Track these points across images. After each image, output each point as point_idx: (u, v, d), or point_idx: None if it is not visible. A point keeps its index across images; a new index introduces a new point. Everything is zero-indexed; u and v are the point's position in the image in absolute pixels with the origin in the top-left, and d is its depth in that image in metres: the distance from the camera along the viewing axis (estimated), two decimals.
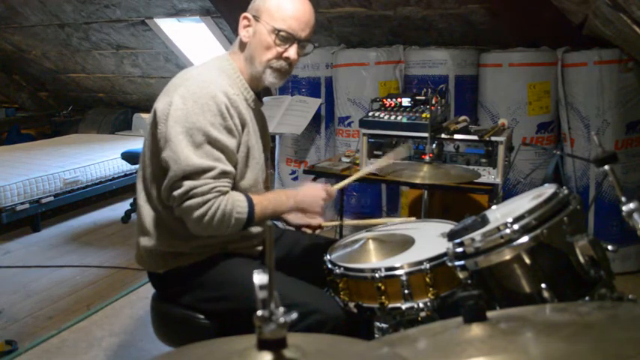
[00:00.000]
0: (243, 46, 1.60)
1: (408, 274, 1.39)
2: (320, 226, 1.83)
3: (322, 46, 3.78)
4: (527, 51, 3.14)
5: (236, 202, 1.47)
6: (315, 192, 1.65)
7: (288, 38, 1.54)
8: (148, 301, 1.72)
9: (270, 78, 1.58)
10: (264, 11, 1.53)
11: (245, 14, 1.57)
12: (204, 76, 1.52)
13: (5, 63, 5.98)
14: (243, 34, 1.58)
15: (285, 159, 3.93)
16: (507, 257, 1.12)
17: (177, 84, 1.51)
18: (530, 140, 3.15)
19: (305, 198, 1.63)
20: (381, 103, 2.59)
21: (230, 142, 1.49)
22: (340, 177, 2.52)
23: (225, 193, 1.46)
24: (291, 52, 1.55)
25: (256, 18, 1.55)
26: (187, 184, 1.43)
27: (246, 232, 1.61)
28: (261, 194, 1.60)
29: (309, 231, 1.81)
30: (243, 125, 1.56)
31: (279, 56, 1.55)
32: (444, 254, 1.30)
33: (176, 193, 1.44)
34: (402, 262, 1.42)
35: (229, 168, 1.49)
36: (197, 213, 1.43)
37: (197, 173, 1.43)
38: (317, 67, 3.72)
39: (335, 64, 3.67)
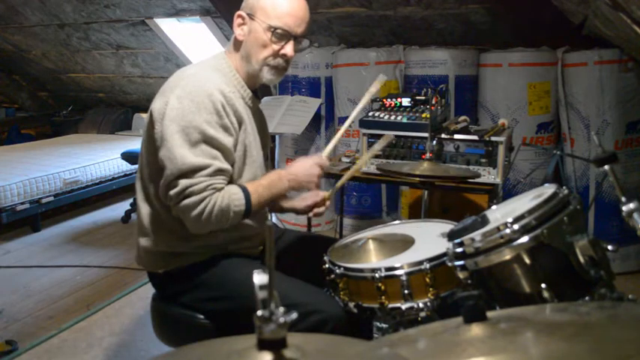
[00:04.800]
0: (238, 44, 1.59)
1: (408, 274, 1.39)
2: (324, 201, 1.75)
3: (322, 46, 3.78)
4: (527, 51, 3.14)
5: (232, 197, 1.47)
6: (307, 166, 1.63)
7: (284, 35, 1.53)
8: (148, 301, 1.72)
9: (267, 75, 1.58)
10: (259, 9, 1.53)
11: (239, 12, 1.57)
12: (199, 75, 1.52)
13: (5, 63, 5.97)
14: (238, 32, 1.57)
15: (285, 159, 3.93)
16: (507, 257, 1.12)
17: (173, 84, 1.51)
18: (530, 140, 3.15)
19: (298, 175, 1.62)
20: (381, 103, 2.59)
21: (227, 139, 1.49)
22: (340, 177, 2.51)
23: (220, 189, 1.46)
24: (288, 49, 1.55)
25: (251, 16, 1.54)
26: (183, 182, 1.42)
27: (246, 232, 1.61)
28: (255, 182, 1.59)
29: (321, 210, 1.74)
30: (240, 123, 1.56)
31: (275, 54, 1.55)
32: (444, 254, 1.30)
33: (172, 192, 1.44)
34: (402, 262, 1.42)
35: (226, 166, 1.49)
36: (194, 212, 1.42)
37: (192, 171, 1.43)
38: (317, 67, 3.71)
39: (335, 64, 3.67)
